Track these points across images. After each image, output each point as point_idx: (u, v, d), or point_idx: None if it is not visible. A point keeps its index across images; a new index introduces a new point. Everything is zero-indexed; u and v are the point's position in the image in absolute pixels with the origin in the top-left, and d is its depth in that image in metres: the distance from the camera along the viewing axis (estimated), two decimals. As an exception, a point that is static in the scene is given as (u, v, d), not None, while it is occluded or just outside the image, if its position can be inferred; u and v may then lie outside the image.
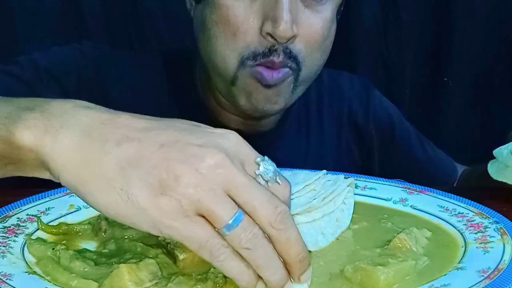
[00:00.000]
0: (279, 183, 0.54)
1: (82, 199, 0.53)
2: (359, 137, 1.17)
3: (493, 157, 0.91)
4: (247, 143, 0.54)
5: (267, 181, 0.53)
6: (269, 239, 0.51)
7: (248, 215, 0.51)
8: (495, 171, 0.88)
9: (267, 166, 0.53)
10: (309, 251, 0.64)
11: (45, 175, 0.56)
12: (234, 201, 0.50)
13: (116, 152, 0.51)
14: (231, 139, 0.53)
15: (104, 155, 0.51)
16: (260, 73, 0.92)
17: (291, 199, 0.70)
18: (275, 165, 0.54)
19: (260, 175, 0.53)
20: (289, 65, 0.93)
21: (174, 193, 0.49)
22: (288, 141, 1.10)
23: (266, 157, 0.54)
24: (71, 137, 0.52)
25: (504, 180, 0.86)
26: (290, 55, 0.92)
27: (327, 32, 0.97)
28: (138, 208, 0.50)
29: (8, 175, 0.58)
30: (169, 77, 1.07)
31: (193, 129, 0.54)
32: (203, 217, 0.50)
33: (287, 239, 0.51)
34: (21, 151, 0.54)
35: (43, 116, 0.54)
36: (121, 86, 1.04)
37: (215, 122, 1.04)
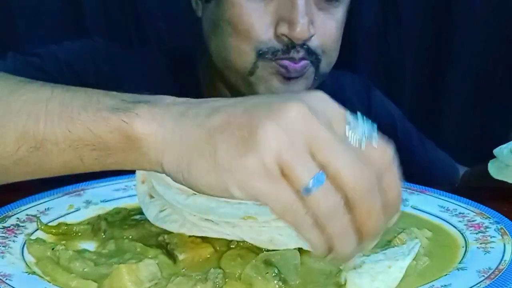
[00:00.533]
0: (374, 146, 0.50)
1: (183, 183, 0.52)
2: None
3: (494, 157, 0.91)
4: (335, 102, 0.51)
5: (358, 142, 0.49)
6: (349, 204, 0.48)
7: (331, 178, 0.47)
8: (495, 170, 0.89)
9: (358, 126, 0.50)
10: (309, 251, 0.65)
11: (145, 166, 0.55)
12: (317, 160, 0.48)
13: (206, 122, 0.51)
14: (318, 96, 0.51)
15: (196, 128, 0.51)
16: (283, 65, 0.94)
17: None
18: (371, 125, 0.51)
19: (351, 135, 0.50)
20: (309, 59, 0.95)
21: (256, 151, 0.47)
22: None
23: (359, 115, 0.51)
24: (173, 121, 0.52)
25: (504, 179, 0.87)
26: (309, 51, 0.94)
27: (340, 32, 0.99)
28: (225, 172, 0.49)
29: (104, 168, 0.57)
30: (175, 76, 1.08)
31: (278, 95, 0.53)
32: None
33: (369, 209, 0.48)
34: (132, 141, 0.53)
35: (149, 106, 0.54)
36: (132, 82, 1.04)
37: None
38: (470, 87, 1.70)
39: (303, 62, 0.94)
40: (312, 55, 0.95)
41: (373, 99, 1.20)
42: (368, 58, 1.70)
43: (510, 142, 0.89)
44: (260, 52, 0.93)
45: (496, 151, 0.90)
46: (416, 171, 1.18)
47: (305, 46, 0.93)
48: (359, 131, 0.50)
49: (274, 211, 0.49)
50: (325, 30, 0.95)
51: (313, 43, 0.94)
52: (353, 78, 1.23)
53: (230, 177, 0.48)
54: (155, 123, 0.52)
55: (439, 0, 1.67)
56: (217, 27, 0.96)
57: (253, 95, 0.55)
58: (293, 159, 0.47)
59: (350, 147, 0.49)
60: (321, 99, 0.51)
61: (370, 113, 1.18)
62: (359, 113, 0.51)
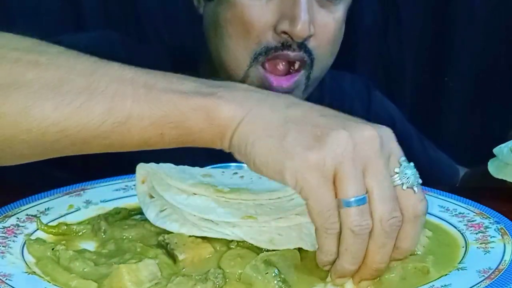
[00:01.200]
0: (414, 191, 0.54)
1: (242, 156, 0.56)
2: None
3: (494, 157, 0.91)
4: (397, 141, 0.56)
5: (402, 184, 0.54)
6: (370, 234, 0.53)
7: (369, 203, 0.52)
8: (495, 169, 0.89)
9: (408, 169, 0.55)
10: (309, 251, 0.65)
11: (217, 144, 0.58)
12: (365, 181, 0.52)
13: (284, 111, 0.55)
14: (386, 130, 0.56)
15: (273, 113, 0.55)
16: (269, 81, 0.94)
17: (292, 198, 0.70)
18: (417, 174, 0.55)
19: (398, 174, 0.54)
20: (305, 59, 0.95)
21: (323, 149, 0.52)
22: None
23: (412, 163, 0.56)
24: (254, 104, 0.56)
25: (504, 178, 0.87)
26: (306, 50, 0.94)
27: (339, 32, 0.99)
28: (287, 155, 0.52)
29: (179, 145, 0.60)
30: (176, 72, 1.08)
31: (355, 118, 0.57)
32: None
33: (382, 245, 0.53)
34: (213, 120, 0.56)
35: (231, 90, 0.58)
36: None
37: None
38: (470, 87, 1.70)
39: (295, 79, 0.95)
40: (308, 55, 0.95)
41: (373, 100, 1.20)
42: (368, 58, 1.70)
43: (510, 141, 0.89)
44: (255, 54, 0.94)
45: (496, 150, 0.90)
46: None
47: (302, 45, 0.93)
48: (407, 173, 0.55)
49: (311, 208, 0.53)
50: (324, 29, 0.95)
51: (311, 43, 0.95)
52: (353, 79, 1.23)
53: (289, 161, 0.52)
54: (237, 105, 0.56)
55: (439, 0, 1.67)
56: (217, 26, 0.96)
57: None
58: (350, 171, 0.52)
59: (393, 184, 0.54)
60: (389, 134, 0.56)
61: (370, 114, 1.18)
62: (412, 163, 0.56)
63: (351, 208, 0.51)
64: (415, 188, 0.55)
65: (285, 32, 0.91)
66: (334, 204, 0.52)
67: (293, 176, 0.53)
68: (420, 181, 0.55)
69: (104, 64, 0.61)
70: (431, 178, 1.17)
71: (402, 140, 1.21)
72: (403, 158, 0.56)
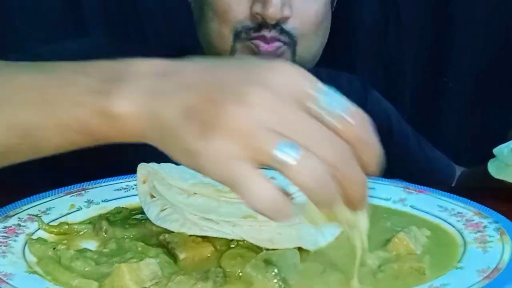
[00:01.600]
0: (347, 119, 0.49)
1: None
2: None
3: (493, 157, 0.91)
4: (303, 73, 0.50)
5: (328, 113, 0.48)
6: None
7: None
8: (495, 169, 0.89)
9: (328, 96, 0.49)
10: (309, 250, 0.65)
11: (133, 140, 0.53)
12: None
13: (174, 103, 0.50)
14: (284, 71, 0.49)
15: (165, 107, 0.50)
16: (256, 45, 0.95)
17: (292, 198, 0.70)
18: (341, 98, 0.50)
19: (321, 111, 0.48)
20: (282, 39, 0.95)
21: (221, 134, 0.46)
22: None
23: (327, 89, 0.50)
24: (145, 99, 0.51)
25: (504, 179, 0.87)
26: (282, 31, 0.95)
27: (322, 16, 0.99)
28: (189, 153, 0.48)
29: (96, 144, 0.56)
30: None
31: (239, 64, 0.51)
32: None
33: (347, 177, 0.48)
34: (114, 121, 0.52)
35: (124, 84, 0.53)
36: None
37: None
38: (470, 87, 1.70)
39: (276, 44, 0.95)
40: (286, 36, 0.95)
41: (370, 99, 1.20)
42: (368, 58, 1.70)
43: (510, 142, 0.89)
44: (236, 32, 0.96)
45: (496, 150, 0.90)
46: (413, 171, 1.19)
47: (278, 27, 0.94)
48: (328, 104, 0.49)
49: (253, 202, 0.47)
50: (304, 13, 0.96)
51: (289, 25, 0.95)
52: (350, 78, 1.23)
53: (200, 159, 0.47)
54: (130, 102, 0.51)
55: (439, 0, 1.67)
56: (202, 13, 1.00)
57: (222, 62, 0.55)
58: (258, 143, 0.46)
59: (322, 121, 0.48)
60: (287, 74, 0.49)
61: (367, 113, 1.18)
62: (327, 88, 0.50)
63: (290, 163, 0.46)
64: (347, 115, 0.50)
65: (259, 14, 0.93)
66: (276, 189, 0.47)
67: (217, 174, 0.47)
68: (345, 104, 0.50)
69: (14, 71, 0.60)
70: (428, 177, 1.18)
71: (399, 140, 1.21)
72: (314, 90, 0.49)
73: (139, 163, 0.75)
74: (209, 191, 0.70)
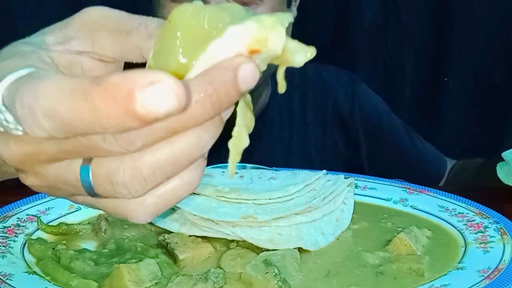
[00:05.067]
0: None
1: None
2: (344, 131, 1.17)
3: (493, 156, 0.90)
4: None
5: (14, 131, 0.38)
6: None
7: None
8: (505, 175, 0.86)
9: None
10: (309, 251, 0.65)
11: None
12: None
13: None
14: None
15: None
16: None
17: (292, 198, 0.70)
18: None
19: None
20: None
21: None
22: (269, 136, 1.10)
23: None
24: None
25: None
26: None
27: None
28: None
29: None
30: None
31: None
32: None
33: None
34: None
35: None
36: None
37: None
38: (470, 87, 1.70)
39: None
40: None
41: (358, 93, 1.19)
42: (368, 58, 1.70)
43: None
44: None
45: (505, 154, 0.86)
46: (403, 163, 1.19)
47: None
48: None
49: None
50: None
51: None
52: (337, 72, 1.22)
53: None
54: None
55: (439, 0, 1.67)
56: None
57: None
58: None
59: None
60: None
61: (355, 106, 1.18)
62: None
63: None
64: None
65: None
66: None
67: None
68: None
69: None
70: (419, 169, 1.18)
71: (389, 133, 1.21)
72: None
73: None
74: (209, 191, 0.69)
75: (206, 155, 0.39)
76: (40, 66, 0.40)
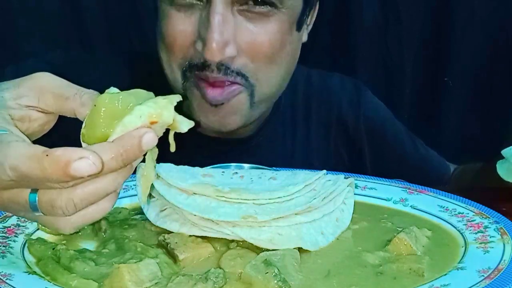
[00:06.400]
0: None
1: None
2: (348, 139, 1.17)
3: (493, 156, 0.90)
4: None
5: None
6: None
7: None
8: (505, 172, 0.86)
9: None
10: (308, 251, 0.65)
11: None
12: None
13: None
14: None
15: None
16: (203, 90, 0.91)
17: (292, 198, 0.70)
18: None
19: None
20: (231, 80, 0.90)
21: None
22: (271, 145, 1.09)
23: None
24: None
25: None
26: (227, 72, 0.89)
27: (279, 44, 0.92)
28: None
29: None
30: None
31: None
32: None
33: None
34: None
35: None
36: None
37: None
38: (470, 87, 1.70)
39: (225, 89, 0.90)
40: (237, 76, 0.90)
41: (362, 100, 1.19)
42: (368, 58, 1.70)
43: None
44: (183, 70, 0.91)
45: (505, 152, 0.87)
46: (407, 170, 1.19)
47: (222, 67, 0.88)
48: None
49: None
50: (254, 44, 0.90)
51: (236, 64, 0.89)
52: (342, 79, 1.22)
53: None
54: None
55: (439, 0, 1.67)
56: (158, 39, 0.95)
57: None
58: None
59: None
60: None
61: (359, 114, 1.18)
62: None
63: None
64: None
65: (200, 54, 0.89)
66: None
67: None
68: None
69: None
70: (422, 176, 1.18)
71: (393, 140, 1.21)
72: None
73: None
74: (209, 191, 0.69)
75: (118, 191, 0.57)
76: (5, 126, 0.57)
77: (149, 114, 0.54)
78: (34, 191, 0.54)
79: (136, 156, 0.54)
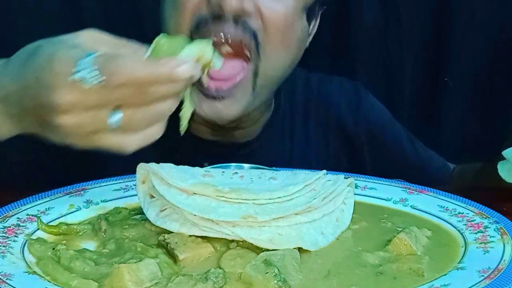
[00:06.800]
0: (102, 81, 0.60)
1: None
2: (347, 143, 1.16)
3: (493, 156, 0.90)
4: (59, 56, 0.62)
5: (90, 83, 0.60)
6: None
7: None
8: (507, 173, 0.85)
9: (81, 69, 0.60)
10: (309, 251, 0.65)
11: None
12: None
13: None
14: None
15: None
16: (207, 85, 0.91)
17: (292, 198, 0.70)
18: (91, 68, 0.60)
19: (80, 80, 0.60)
20: (249, 45, 0.90)
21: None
22: (271, 150, 1.09)
23: (81, 61, 0.61)
24: None
25: None
26: (245, 27, 0.89)
27: (291, 21, 0.93)
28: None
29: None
30: None
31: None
32: None
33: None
34: None
35: None
36: None
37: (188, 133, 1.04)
38: (470, 87, 1.70)
39: (231, 82, 0.91)
40: (250, 36, 0.90)
41: (362, 103, 1.19)
42: (368, 58, 1.70)
43: None
44: (195, 23, 0.90)
45: (506, 152, 0.86)
46: (408, 171, 1.18)
47: (239, 22, 0.89)
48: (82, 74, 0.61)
49: None
50: (270, 12, 0.90)
51: (252, 22, 0.90)
52: (342, 83, 1.21)
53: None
54: None
55: (439, 1, 1.67)
56: (164, 8, 0.96)
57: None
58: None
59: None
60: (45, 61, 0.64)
61: (359, 117, 1.17)
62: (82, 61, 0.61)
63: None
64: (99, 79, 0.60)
65: (218, 4, 0.88)
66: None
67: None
68: (92, 67, 0.60)
69: None
70: (423, 177, 1.17)
71: (393, 142, 1.21)
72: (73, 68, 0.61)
73: (138, 163, 0.75)
74: (209, 191, 0.69)
75: (167, 118, 0.65)
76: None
77: (197, 49, 0.65)
78: (117, 108, 0.61)
79: (196, 77, 0.63)
